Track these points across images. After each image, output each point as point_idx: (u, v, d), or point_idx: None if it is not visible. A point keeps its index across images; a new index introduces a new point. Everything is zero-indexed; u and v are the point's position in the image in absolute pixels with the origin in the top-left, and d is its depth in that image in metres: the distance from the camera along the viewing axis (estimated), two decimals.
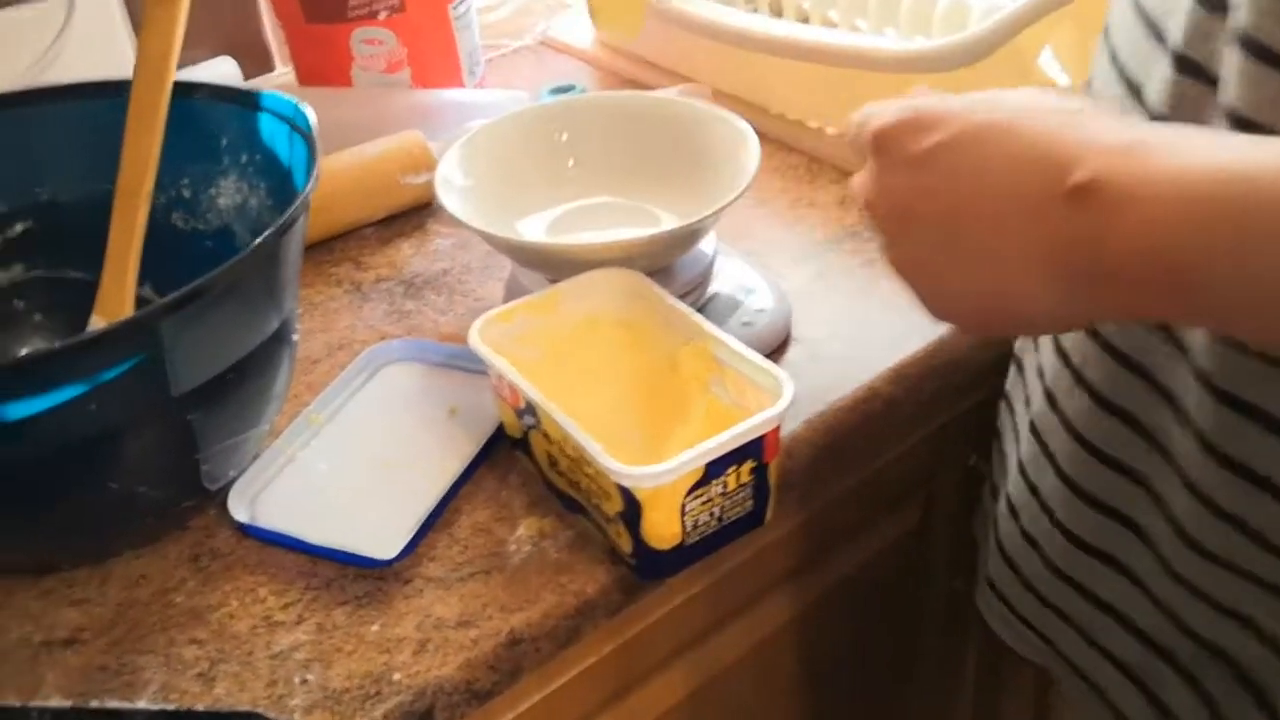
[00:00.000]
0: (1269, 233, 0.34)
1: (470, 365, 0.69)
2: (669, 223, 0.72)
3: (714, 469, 0.52)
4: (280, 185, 0.64)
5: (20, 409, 0.46)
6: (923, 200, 0.44)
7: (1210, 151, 0.37)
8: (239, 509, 0.60)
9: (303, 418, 0.66)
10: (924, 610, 0.88)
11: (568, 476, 0.56)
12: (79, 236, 0.66)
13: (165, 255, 0.64)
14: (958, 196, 0.43)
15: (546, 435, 0.56)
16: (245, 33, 1.05)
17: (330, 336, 0.74)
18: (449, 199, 0.68)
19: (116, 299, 0.62)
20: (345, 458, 0.64)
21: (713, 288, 0.71)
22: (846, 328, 0.71)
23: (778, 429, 0.54)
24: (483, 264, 0.80)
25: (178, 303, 0.48)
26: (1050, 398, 0.59)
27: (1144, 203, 0.37)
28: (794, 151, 0.88)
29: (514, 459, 0.63)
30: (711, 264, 0.72)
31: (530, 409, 0.56)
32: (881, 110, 0.47)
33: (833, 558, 0.76)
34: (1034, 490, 0.61)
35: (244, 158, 0.66)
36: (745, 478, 0.54)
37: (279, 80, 1.07)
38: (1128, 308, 0.40)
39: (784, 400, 0.53)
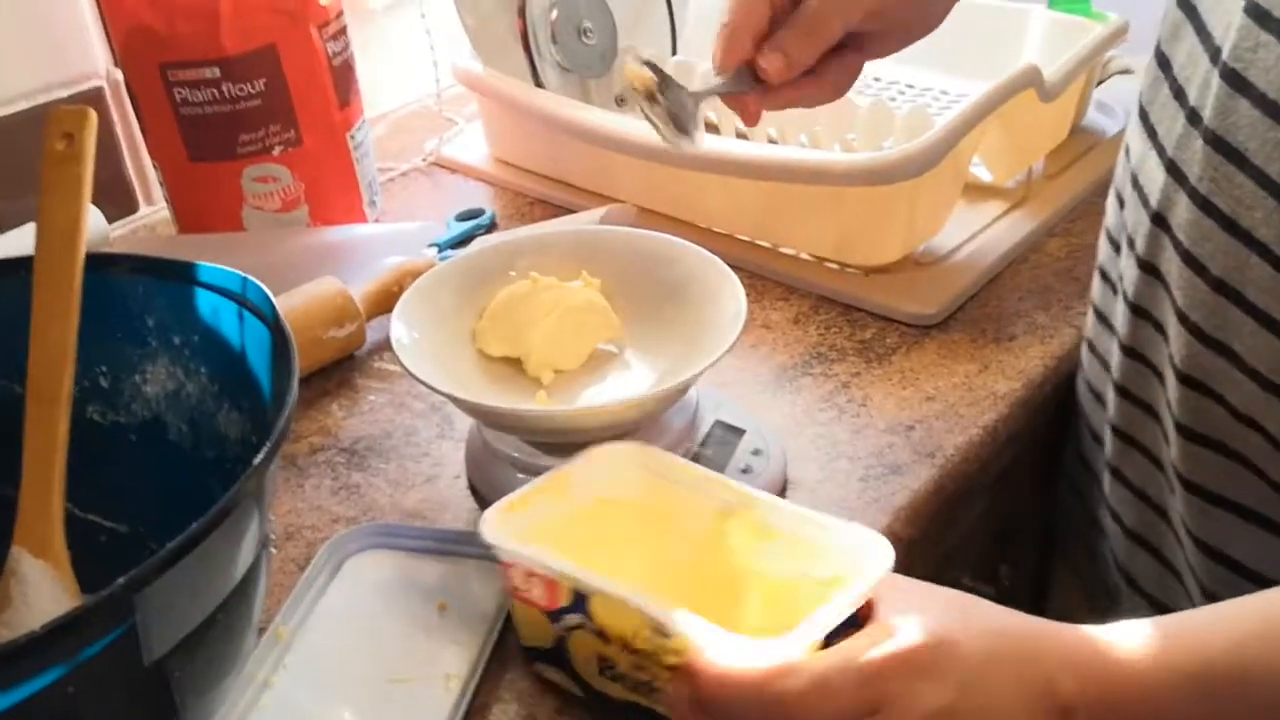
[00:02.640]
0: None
1: (452, 548, 0.61)
2: (641, 367, 0.67)
3: (831, 641, 0.46)
4: (228, 368, 0.55)
5: None
6: None
7: (1160, 654, 0.45)
8: None
9: (269, 633, 0.57)
10: None
11: (632, 679, 0.49)
12: None
13: (81, 454, 0.54)
14: None
15: (603, 633, 0.49)
16: (102, 172, 0.95)
17: (274, 527, 0.65)
18: (414, 364, 0.60)
19: (41, 526, 0.51)
20: (328, 678, 0.55)
21: (700, 432, 0.66)
22: (843, 465, 0.67)
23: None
24: (427, 420, 0.73)
25: (171, 558, 0.40)
26: None
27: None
28: (734, 269, 0.84)
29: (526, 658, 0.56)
30: (696, 410, 0.67)
31: (578, 604, 0.49)
32: (817, 671, 0.44)
33: None
34: None
35: (177, 339, 0.57)
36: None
37: (149, 220, 0.97)
38: None
39: (886, 561, 0.48)
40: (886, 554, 0.48)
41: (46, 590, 0.50)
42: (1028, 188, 0.91)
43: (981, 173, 0.91)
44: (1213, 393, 0.56)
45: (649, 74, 0.61)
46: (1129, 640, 0.46)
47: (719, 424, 0.67)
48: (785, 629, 0.45)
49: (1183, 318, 0.56)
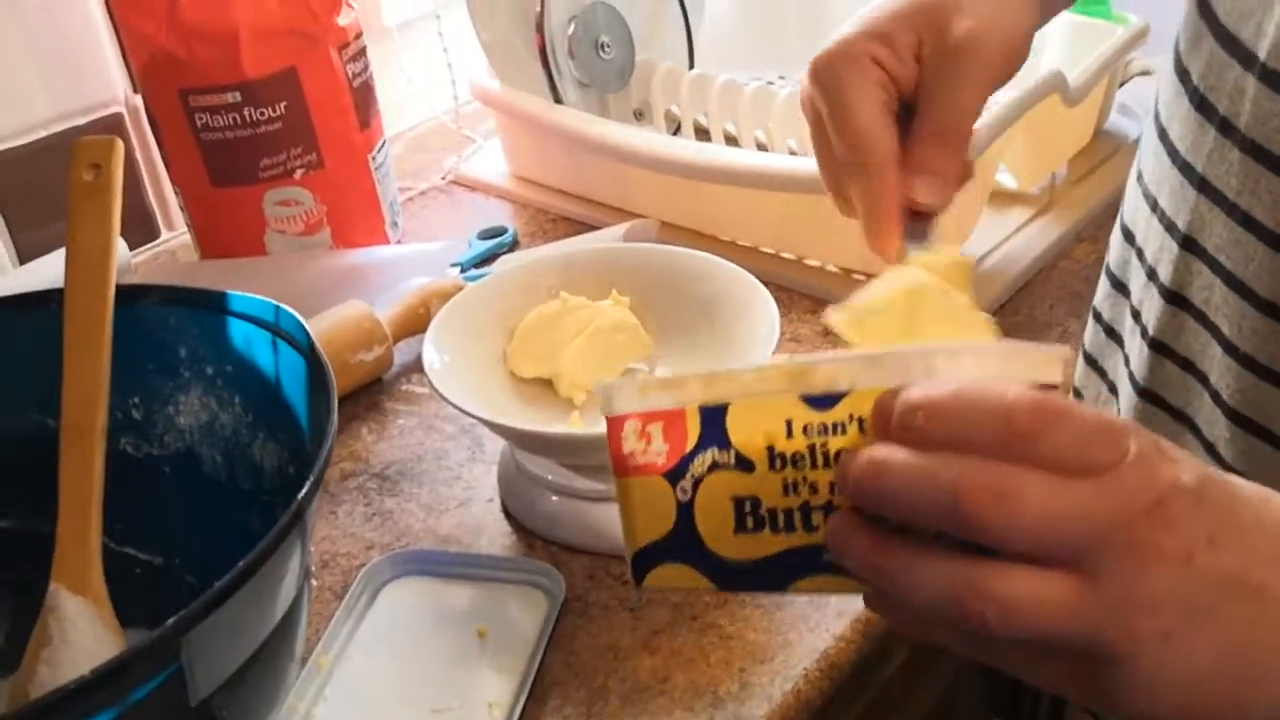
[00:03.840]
0: None
1: (489, 573, 0.61)
2: None
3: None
4: (263, 397, 0.55)
5: None
6: (1202, 546, 0.34)
7: None
8: None
9: (309, 663, 0.56)
10: None
11: (782, 511, 0.39)
12: (10, 479, 0.56)
13: (116, 487, 0.54)
14: (1234, 556, 0.34)
15: (739, 457, 0.38)
16: (123, 197, 0.95)
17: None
18: (447, 388, 0.60)
19: (80, 562, 0.51)
20: (369, 709, 0.54)
21: None
22: None
23: None
24: (458, 444, 0.72)
25: (218, 597, 0.39)
26: None
27: None
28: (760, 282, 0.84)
29: (570, 682, 0.55)
30: None
31: (714, 429, 0.38)
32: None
33: None
34: None
35: (210, 369, 0.57)
36: None
37: (170, 246, 0.97)
38: None
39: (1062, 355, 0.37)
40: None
41: (86, 627, 0.50)
42: (1053, 193, 0.91)
43: (1006, 179, 0.91)
44: (1269, 433, 0.50)
45: None
46: None
47: None
48: None
49: (1231, 349, 0.51)
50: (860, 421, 0.36)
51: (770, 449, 0.38)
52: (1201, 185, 0.52)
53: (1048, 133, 0.87)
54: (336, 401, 0.48)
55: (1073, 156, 0.93)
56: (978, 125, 0.76)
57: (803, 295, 0.82)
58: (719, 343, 0.65)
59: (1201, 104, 0.53)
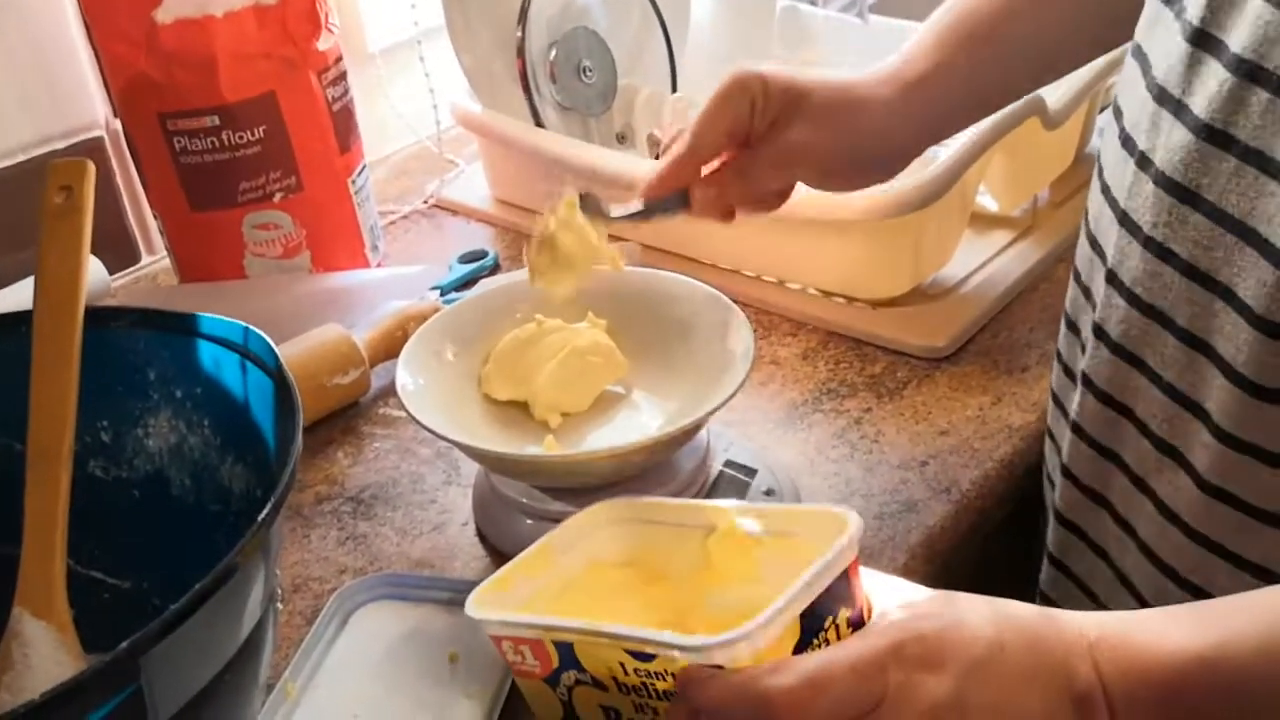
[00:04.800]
0: (1250, 706, 0.40)
1: (462, 597, 0.59)
2: (649, 408, 0.66)
3: (810, 623, 0.43)
4: (231, 420, 0.54)
5: None
6: None
7: (1182, 634, 0.41)
8: None
9: (277, 690, 0.55)
10: None
11: None
12: None
13: (83, 510, 0.53)
14: None
15: (594, 679, 0.47)
16: (103, 222, 0.94)
17: (279, 578, 0.64)
18: (420, 411, 0.60)
19: (43, 587, 0.50)
20: None
21: (711, 473, 0.65)
22: (857, 504, 0.65)
23: (858, 570, 0.45)
24: (433, 467, 0.72)
25: (176, 619, 0.39)
26: None
27: (1139, 703, 0.41)
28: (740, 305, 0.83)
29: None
30: (707, 450, 0.66)
31: (567, 657, 0.47)
32: (812, 672, 0.41)
33: None
34: None
35: (179, 392, 0.56)
36: (845, 633, 0.45)
37: (150, 270, 0.96)
38: None
39: (853, 525, 0.44)
40: (852, 521, 0.45)
41: (49, 652, 0.49)
42: (1034, 216, 0.91)
43: (988, 202, 0.91)
44: (1191, 466, 0.53)
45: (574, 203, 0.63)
46: (1149, 624, 0.42)
47: (730, 464, 0.66)
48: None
49: (1156, 379, 0.54)
50: (673, 675, 0.43)
51: (614, 679, 0.46)
52: (1123, 219, 0.54)
53: (1028, 156, 0.87)
54: (301, 423, 0.47)
55: (1054, 180, 0.93)
56: (956, 147, 0.76)
57: (783, 318, 0.82)
58: (695, 364, 0.65)
59: (1126, 141, 0.55)
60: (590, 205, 0.63)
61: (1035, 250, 0.87)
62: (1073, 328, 0.62)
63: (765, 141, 0.62)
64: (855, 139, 0.63)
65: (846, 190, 0.68)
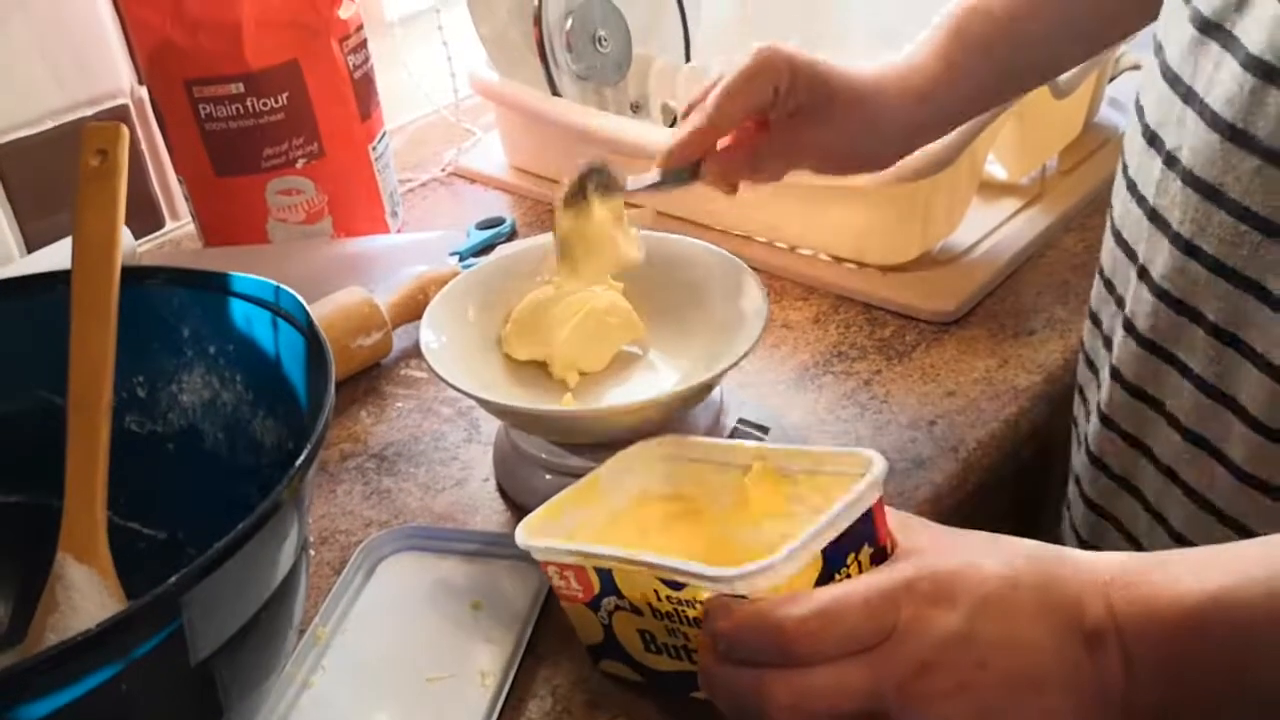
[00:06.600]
0: (1261, 646, 0.40)
1: (484, 549, 0.62)
2: (665, 368, 0.68)
3: (833, 558, 0.45)
4: (263, 375, 0.56)
5: (46, 706, 0.38)
6: (974, 673, 0.41)
7: (1194, 576, 0.41)
8: None
9: (308, 634, 0.58)
10: None
11: (671, 646, 0.50)
12: (18, 455, 0.58)
13: (120, 464, 0.55)
14: (1007, 667, 0.42)
15: (632, 605, 0.50)
16: (129, 188, 0.96)
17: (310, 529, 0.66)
18: (442, 368, 0.61)
19: (85, 531, 0.53)
20: (366, 677, 0.56)
21: (725, 431, 0.67)
22: None
23: (883, 509, 0.47)
24: (455, 426, 0.74)
25: (217, 559, 0.41)
26: None
27: (1151, 641, 0.41)
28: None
29: (560, 653, 0.57)
30: (721, 409, 0.67)
31: (608, 584, 0.50)
32: (817, 603, 0.42)
33: None
34: None
35: (212, 348, 0.58)
36: (868, 569, 0.46)
37: (174, 235, 0.98)
38: None
39: (878, 467, 0.46)
40: (876, 463, 0.47)
41: (92, 594, 0.52)
42: (1043, 184, 0.92)
43: (997, 170, 0.92)
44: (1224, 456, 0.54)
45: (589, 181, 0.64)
46: (1168, 565, 0.43)
47: (743, 422, 0.68)
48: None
49: (1187, 373, 0.54)
50: (701, 604, 0.45)
51: (650, 605, 0.48)
52: (1152, 216, 0.55)
53: (1037, 125, 0.88)
54: (334, 375, 0.49)
55: (1063, 149, 0.95)
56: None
57: (794, 283, 0.84)
58: (710, 324, 0.66)
59: (1152, 139, 0.55)
60: (604, 178, 0.64)
61: (1044, 217, 0.88)
62: (1096, 321, 0.63)
63: (783, 129, 0.64)
64: (872, 142, 0.67)
65: (848, 176, 0.71)
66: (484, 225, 0.94)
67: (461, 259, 0.89)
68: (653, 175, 0.65)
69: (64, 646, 0.37)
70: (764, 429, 0.67)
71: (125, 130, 0.58)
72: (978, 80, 0.67)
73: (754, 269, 0.67)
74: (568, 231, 0.64)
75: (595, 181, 0.64)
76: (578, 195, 0.64)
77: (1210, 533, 0.55)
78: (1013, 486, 0.72)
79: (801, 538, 0.44)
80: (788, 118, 0.63)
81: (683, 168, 0.64)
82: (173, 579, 0.40)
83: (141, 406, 0.60)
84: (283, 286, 0.56)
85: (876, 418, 0.70)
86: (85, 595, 0.51)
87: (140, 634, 0.40)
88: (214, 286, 0.58)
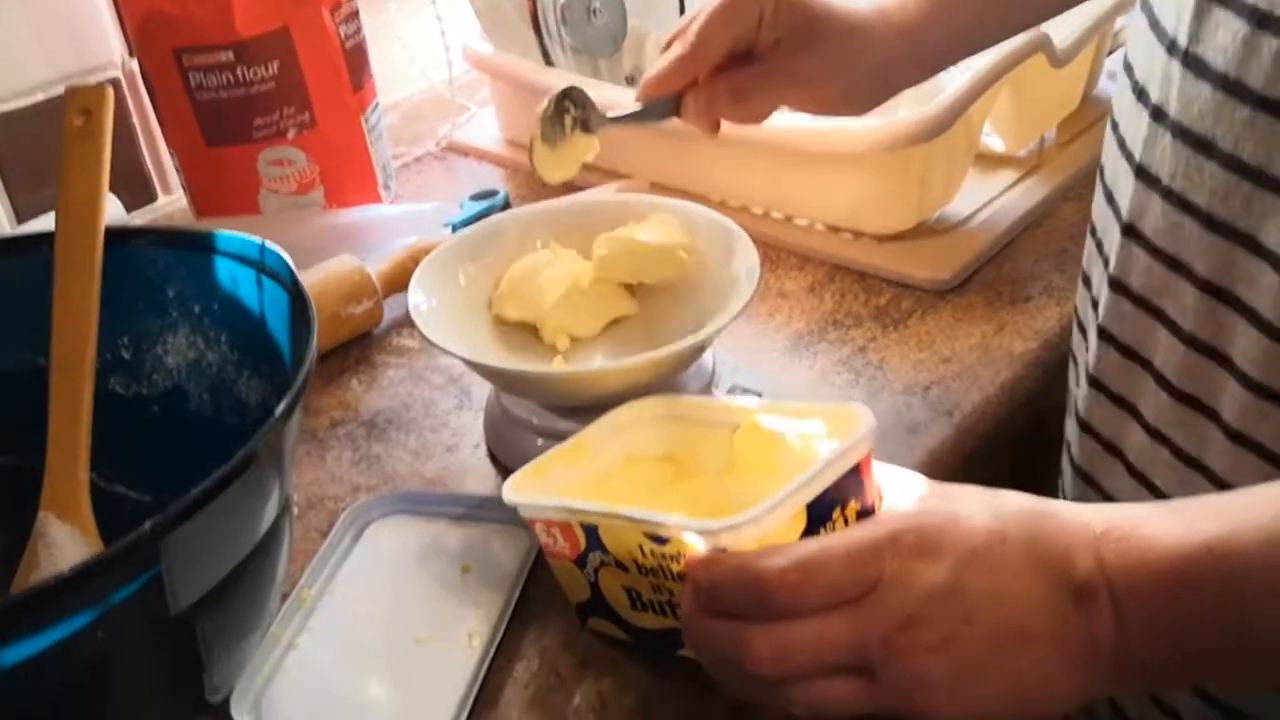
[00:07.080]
0: (1256, 595, 0.40)
1: (473, 513, 0.61)
2: (657, 334, 0.67)
3: (818, 513, 0.44)
4: (248, 334, 0.56)
5: (20, 650, 0.37)
6: (961, 627, 0.41)
7: (1186, 526, 0.41)
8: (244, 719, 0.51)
9: (293, 596, 0.57)
10: None
11: (656, 602, 0.49)
12: (2, 417, 0.57)
13: (104, 426, 0.55)
14: (994, 621, 0.41)
15: (618, 561, 0.49)
16: (120, 162, 0.96)
17: (296, 495, 0.65)
18: (431, 330, 0.61)
19: (68, 490, 0.52)
20: (352, 639, 0.55)
21: (717, 396, 0.67)
22: None
23: (870, 468, 0.46)
24: (445, 392, 0.73)
25: (194, 505, 0.40)
26: None
27: (1143, 594, 0.41)
28: None
29: (548, 616, 0.56)
30: (713, 374, 0.67)
31: (593, 540, 0.49)
32: (808, 553, 0.42)
33: None
34: None
35: (197, 308, 0.58)
36: (854, 523, 0.45)
37: (167, 209, 0.98)
38: (1145, 685, 0.45)
39: (866, 422, 0.46)
40: (865, 418, 0.46)
41: (74, 552, 0.51)
42: (1040, 155, 0.91)
43: (995, 143, 0.91)
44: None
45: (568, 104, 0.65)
46: (1159, 518, 0.42)
47: (736, 388, 0.67)
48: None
49: (1177, 330, 0.53)
50: (685, 558, 0.45)
51: (635, 561, 0.48)
52: (1139, 172, 0.54)
53: (1035, 96, 0.87)
54: (316, 327, 0.49)
55: (1061, 121, 0.94)
56: (961, 83, 0.77)
57: (790, 253, 0.83)
58: (701, 288, 0.66)
59: (1140, 94, 0.55)
60: (580, 102, 0.65)
61: (1041, 187, 0.87)
62: (1086, 282, 0.62)
63: (766, 61, 0.63)
64: (855, 76, 0.66)
65: (827, 116, 0.70)
66: (478, 197, 0.93)
67: (455, 230, 0.88)
68: (634, 106, 0.64)
69: (39, 589, 0.37)
70: (757, 394, 0.67)
71: (110, 91, 0.58)
72: (962, 19, 0.66)
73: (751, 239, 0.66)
74: (545, 156, 0.65)
75: (575, 100, 0.64)
76: (555, 126, 0.64)
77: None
78: (1010, 454, 0.71)
79: (784, 490, 0.43)
80: (770, 49, 0.63)
81: (664, 99, 0.64)
82: (150, 522, 0.39)
83: (126, 368, 0.59)
84: (268, 244, 0.55)
85: (871, 383, 0.70)
86: (67, 553, 0.51)
87: (117, 578, 0.40)
88: (200, 245, 0.57)
